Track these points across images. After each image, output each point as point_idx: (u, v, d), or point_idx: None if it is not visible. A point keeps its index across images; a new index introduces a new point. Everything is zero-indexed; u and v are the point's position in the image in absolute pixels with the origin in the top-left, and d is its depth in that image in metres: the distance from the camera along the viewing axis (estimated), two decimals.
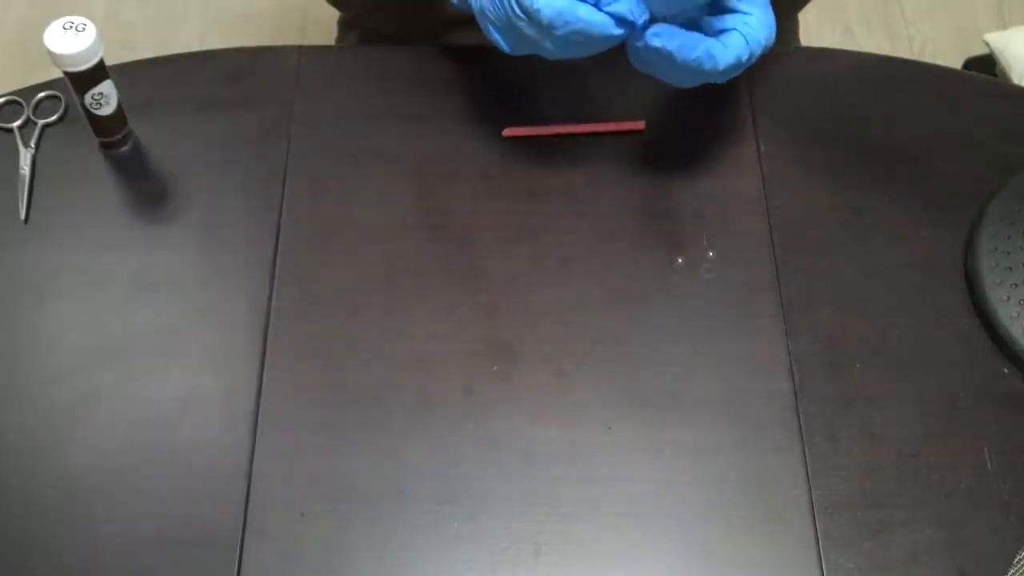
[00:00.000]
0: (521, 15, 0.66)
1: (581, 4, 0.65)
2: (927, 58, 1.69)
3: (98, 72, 0.76)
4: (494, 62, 0.85)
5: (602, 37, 0.66)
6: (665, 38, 0.67)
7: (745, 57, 0.70)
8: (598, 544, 0.67)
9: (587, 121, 0.82)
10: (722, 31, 0.70)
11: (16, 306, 0.75)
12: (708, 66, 0.69)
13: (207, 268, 0.77)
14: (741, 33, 0.70)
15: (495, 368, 0.73)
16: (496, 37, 0.71)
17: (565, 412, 0.71)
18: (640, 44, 0.67)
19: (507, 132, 0.82)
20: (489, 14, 0.69)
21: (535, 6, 0.65)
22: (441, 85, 0.85)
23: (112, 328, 0.74)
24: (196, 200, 0.79)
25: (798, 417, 0.71)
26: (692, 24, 0.70)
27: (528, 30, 0.67)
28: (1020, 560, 0.65)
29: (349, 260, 0.77)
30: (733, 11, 0.70)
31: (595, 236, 0.78)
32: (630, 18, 0.65)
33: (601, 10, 0.65)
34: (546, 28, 0.66)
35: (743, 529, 0.67)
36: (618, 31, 0.66)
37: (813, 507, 0.68)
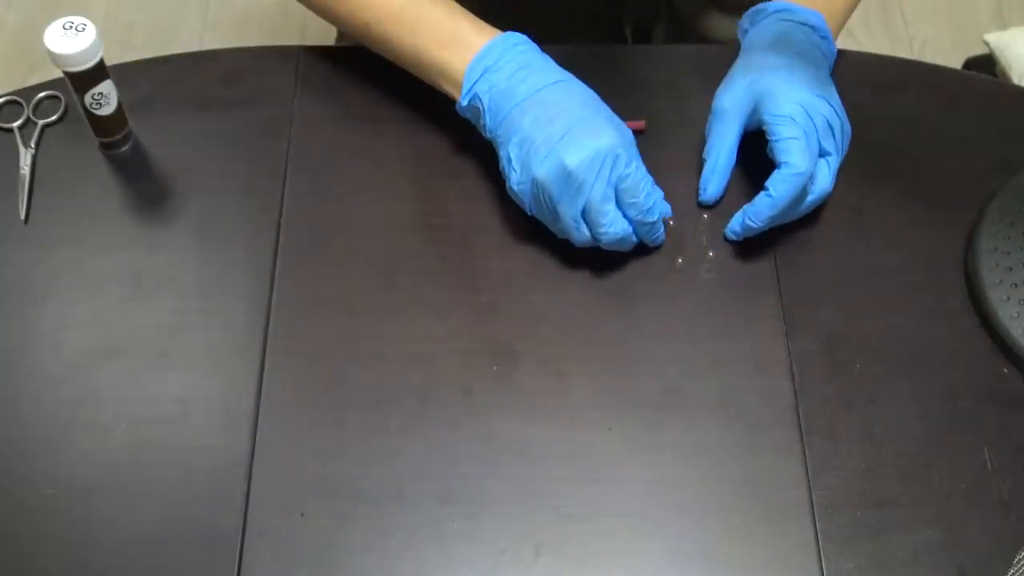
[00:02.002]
0: (580, 222, 0.72)
1: (634, 235, 0.74)
2: (927, 58, 1.69)
3: (98, 72, 0.76)
4: None
5: (622, 247, 0.75)
6: (757, 213, 0.73)
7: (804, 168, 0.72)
8: (598, 544, 0.67)
9: None
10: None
11: (16, 306, 0.75)
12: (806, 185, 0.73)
13: (207, 268, 0.77)
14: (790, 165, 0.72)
15: (495, 368, 0.73)
16: (526, 202, 0.74)
17: (565, 412, 0.71)
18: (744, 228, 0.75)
19: None
20: (540, 190, 0.72)
21: (605, 231, 0.71)
22: None
23: (112, 328, 0.74)
24: (196, 200, 0.79)
25: (798, 417, 0.71)
26: None
27: (575, 231, 0.72)
28: (1020, 560, 0.65)
29: (349, 260, 0.77)
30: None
31: None
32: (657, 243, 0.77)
33: (639, 236, 0.74)
34: (597, 237, 0.73)
35: (743, 529, 0.67)
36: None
37: (813, 507, 0.68)
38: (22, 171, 0.80)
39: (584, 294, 0.75)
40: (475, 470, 0.69)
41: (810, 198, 0.74)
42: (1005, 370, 0.73)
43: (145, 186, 0.81)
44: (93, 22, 0.74)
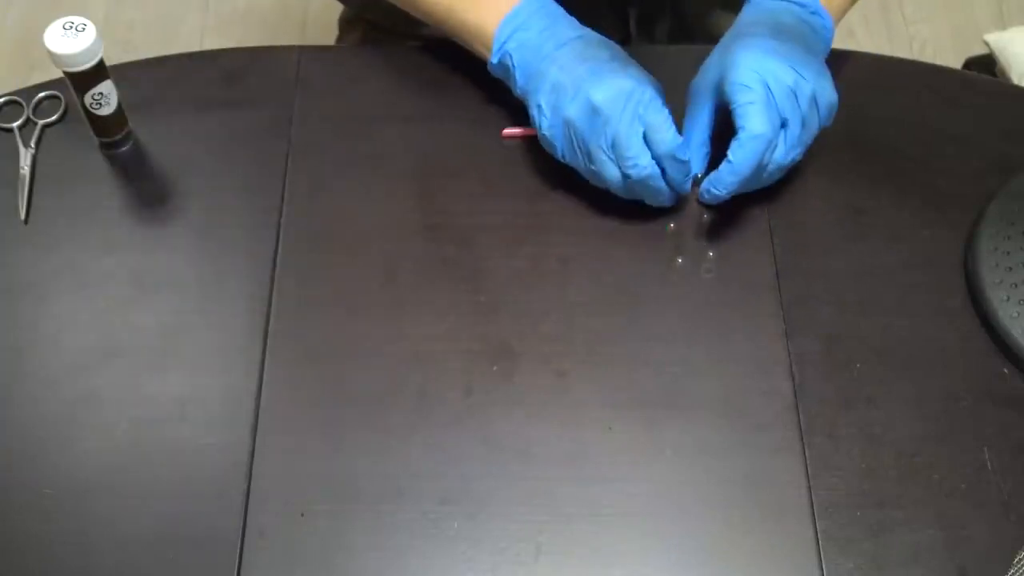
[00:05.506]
0: (609, 156, 0.73)
1: (661, 177, 0.74)
2: (927, 58, 1.69)
3: (98, 72, 0.76)
4: None
5: (656, 193, 0.75)
6: (721, 183, 0.72)
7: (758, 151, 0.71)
8: (598, 544, 0.67)
9: None
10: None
11: (16, 306, 0.75)
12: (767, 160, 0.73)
13: (207, 268, 0.77)
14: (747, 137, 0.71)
15: (495, 368, 0.73)
16: (558, 145, 0.76)
17: (565, 412, 0.71)
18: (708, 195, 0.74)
19: (507, 132, 0.82)
20: (571, 129, 0.74)
21: (633, 163, 0.72)
22: (441, 85, 0.85)
23: (112, 328, 0.74)
24: (196, 200, 0.79)
25: (798, 417, 0.71)
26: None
27: (605, 166, 0.73)
28: (1020, 560, 0.66)
29: (349, 260, 0.77)
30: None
31: (595, 236, 0.78)
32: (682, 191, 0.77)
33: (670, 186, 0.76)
34: (626, 172, 0.73)
35: (743, 529, 0.67)
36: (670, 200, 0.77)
37: (813, 507, 0.68)
38: (22, 171, 0.80)
39: (584, 294, 0.75)
40: (475, 470, 0.69)
41: (771, 167, 0.73)
42: (1005, 370, 0.73)
43: (145, 186, 0.81)
44: (93, 22, 0.74)
